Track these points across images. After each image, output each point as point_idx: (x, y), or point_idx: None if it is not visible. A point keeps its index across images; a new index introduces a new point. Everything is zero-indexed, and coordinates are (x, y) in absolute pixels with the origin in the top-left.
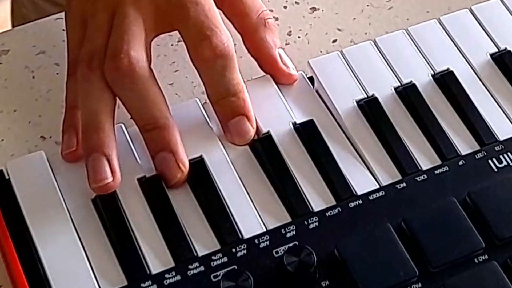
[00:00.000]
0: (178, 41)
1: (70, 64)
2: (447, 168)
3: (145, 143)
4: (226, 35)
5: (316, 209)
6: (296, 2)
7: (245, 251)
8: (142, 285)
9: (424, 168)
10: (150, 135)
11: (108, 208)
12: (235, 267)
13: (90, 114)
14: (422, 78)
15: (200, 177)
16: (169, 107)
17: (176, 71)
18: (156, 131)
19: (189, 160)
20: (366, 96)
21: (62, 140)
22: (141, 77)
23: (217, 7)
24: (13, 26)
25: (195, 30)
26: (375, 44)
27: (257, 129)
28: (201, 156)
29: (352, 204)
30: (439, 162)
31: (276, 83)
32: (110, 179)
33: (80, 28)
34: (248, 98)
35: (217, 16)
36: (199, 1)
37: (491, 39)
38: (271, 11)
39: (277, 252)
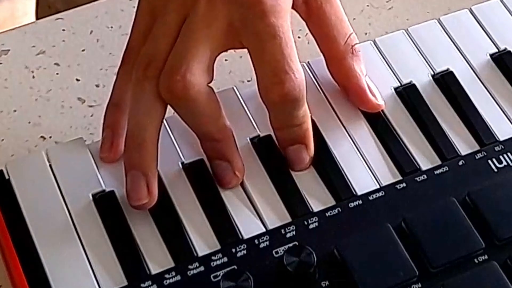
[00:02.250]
0: None
1: (127, 52)
2: (447, 168)
3: (202, 148)
4: (301, 78)
5: (316, 209)
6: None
7: (245, 251)
8: (142, 285)
9: (424, 168)
10: (206, 145)
11: (108, 208)
12: (235, 267)
13: (135, 127)
14: (422, 78)
15: (200, 177)
16: (224, 116)
17: None
18: (212, 143)
19: (189, 162)
20: None
21: (102, 136)
22: (195, 100)
23: (302, 17)
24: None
25: (269, 69)
26: (375, 44)
27: (258, 129)
28: (201, 158)
29: (352, 204)
30: (439, 162)
31: None
32: (145, 200)
33: (149, 18)
34: (311, 126)
35: (294, 54)
36: (277, 34)
37: (491, 39)
38: None
39: (277, 252)
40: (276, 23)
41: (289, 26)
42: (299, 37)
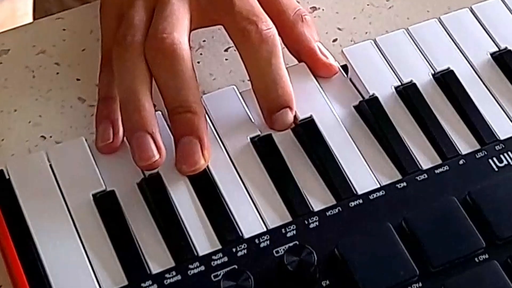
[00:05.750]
0: None
1: (104, 55)
2: (448, 168)
3: (172, 125)
4: (271, 22)
5: (316, 209)
6: (296, 1)
7: (245, 251)
8: (143, 285)
9: (424, 167)
10: (180, 117)
11: (108, 208)
12: (236, 266)
13: (128, 93)
14: (422, 78)
15: (200, 176)
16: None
17: None
18: (187, 114)
19: None
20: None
21: (96, 131)
22: (181, 60)
23: None
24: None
25: (241, 17)
26: (375, 43)
27: (258, 128)
28: None
29: (352, 204)
30: (439, 161)
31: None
32: (157, 156)
33: (116, 18)
34: (291, 87)
35: (259, 7)
36: None
37: (491, 38)
38: None
39: (277, 252)
40: None
41: None
42: None
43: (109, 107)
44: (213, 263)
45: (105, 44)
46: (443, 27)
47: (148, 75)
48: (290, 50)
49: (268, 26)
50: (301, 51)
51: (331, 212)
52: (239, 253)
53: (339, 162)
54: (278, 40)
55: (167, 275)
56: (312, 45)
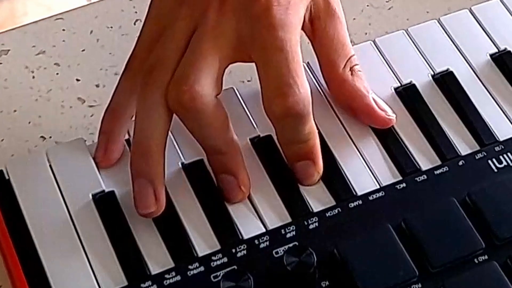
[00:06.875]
0: None
1: (131, 59)
2: (447, 169)
3: (208, 162)
4: (305, 94)
5: (316, 210)
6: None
7: (245, 252)
8: (142, 285)
9: (424, 168)
10: (213, 158)
11: (108, 208)
12: (235, 267)
13: (141, 135)
14: (422, 79)
15: (200, 177)
16: (231, 129)
17: None
18: (218, 156)
19: (189, 162)
20: None
21: (97, 140)
22: (202, 112)
23: (307, 36)
24: None
25: (273, 82)
26: (374, 44)
27: (258, 129)
28: (201, 158)
29: (352, 205)
30: (439, 162)
31: None
32: (153, 208)
33: (156, 27)
34: (318, 142)
35: (300, 68)
36: (284, 47)
37: (491, 39)
38: None
39: (277, 253)
40: (284, 37)
41: (298, 41)
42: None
43: (112, 122)
44: (213, 264)
45: (136, 49)
46: (443, 28)
47: (167, 116)
48: (340, 103)
49: (298, 102)
50: (356, 108)
51: (330, 213)
52: (239, 254)
53: (338, 163)
54: (308, 111)
55: (166, 276)
56: (368, 101)
